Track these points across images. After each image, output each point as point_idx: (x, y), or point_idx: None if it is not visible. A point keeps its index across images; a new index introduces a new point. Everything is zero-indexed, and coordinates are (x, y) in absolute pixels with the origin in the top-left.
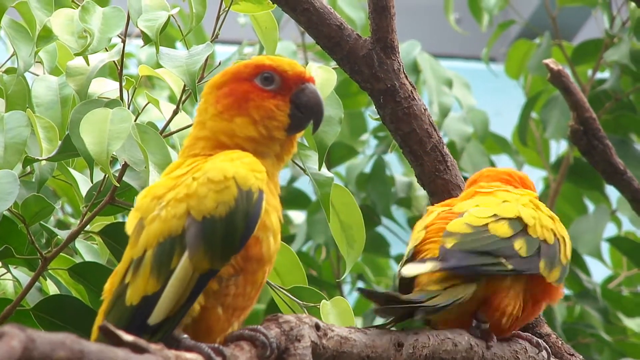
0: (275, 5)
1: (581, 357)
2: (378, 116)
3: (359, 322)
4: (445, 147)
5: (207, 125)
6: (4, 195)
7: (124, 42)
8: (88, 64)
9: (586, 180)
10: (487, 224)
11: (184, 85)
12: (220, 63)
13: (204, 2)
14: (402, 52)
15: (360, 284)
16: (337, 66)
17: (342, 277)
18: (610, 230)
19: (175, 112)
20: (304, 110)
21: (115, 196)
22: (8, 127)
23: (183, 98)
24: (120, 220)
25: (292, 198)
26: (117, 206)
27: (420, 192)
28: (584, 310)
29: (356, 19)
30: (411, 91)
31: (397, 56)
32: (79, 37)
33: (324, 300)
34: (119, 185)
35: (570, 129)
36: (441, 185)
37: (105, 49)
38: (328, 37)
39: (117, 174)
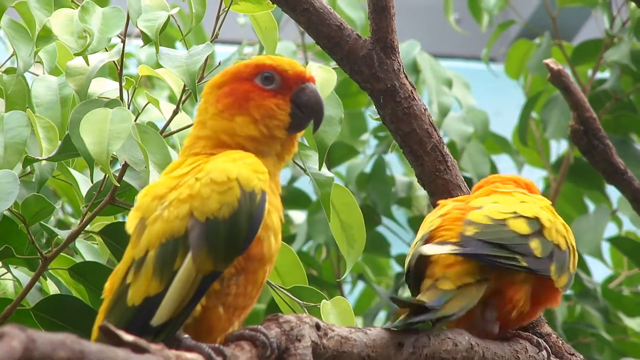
0: (275, 5)
1: (582, 356)
2: (378, 116)
3: (359, 322)
4: (445, 147)
5: (208, 124)
6: (4, 195)
7: (123, 42)
8: (88, 64)
9: (587, 180)
10: (506, 219)
11: (184, 85)
12: (220, 63)
13: (203, 2)
14: (402, 52)
15: (360, 284)
16: (337, 66)
17: (343, 277)
18: (611, 230)
19: (175, 112)
20: (305, 109)
21: (115, 196)
22: (8, 127)
23: (183, 98)
24: (121, 220)
25: (292, 198)
26: (118, 206)
27: (421, 192)
28: (585, 310)
29: (356, 19)
30: (411, 91)
31: (397, 56)
32: (78, 37)
33: (324, 300)
34: (119, 185)
35: (571, 128)
36: (441, 185)
37: (105, 49)
38: (328, 37)
39: (117, 174)
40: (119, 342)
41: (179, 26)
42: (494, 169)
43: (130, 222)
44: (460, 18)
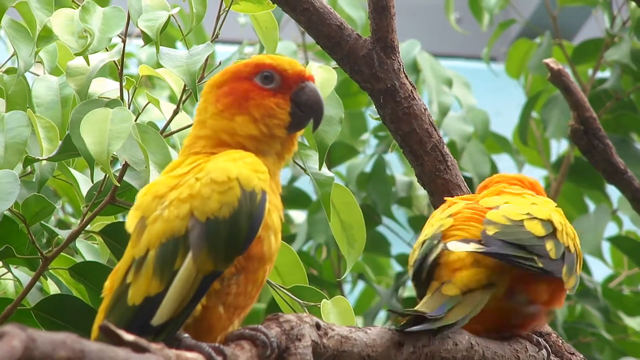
0: (276, 5)
1: (582, 356)
2: (378, 116)
3: (359, 322)
4: (445, 146)
5: (208, 124)
6: (5, 195)
7: (124, 42)
8: (88, 64)
9: (587, 180)
10: (522, 220)
11: (185, 85)
12: (220, 63)
13: (204, 2)
14: (402, 51)
15: (360, 284)
16: (338, 66)
17: (343, 277)
18: (611, 229)
19: (175, 112)
20: (304, 108)
21: (115, 196)
22: (8, 127)
23: (183, 98)
24: (121, 220)
25: (292, 198)
26: (118, 206)
27: (421, 192)
28: (585, 309)
29: (357, 18)
30: (411, 91)
31: (397, 56)
32: (79, 37)
33: (324, 300)
34: (119, 185)
35: (571, 128)
36: (441, 184)
37: (106, 48)
38: (328, 37)
39: (117, 174)
40: (119, 342)
41: (179, 26)
42: (494, 169)
43: (130, 221)
44: (460, 17)
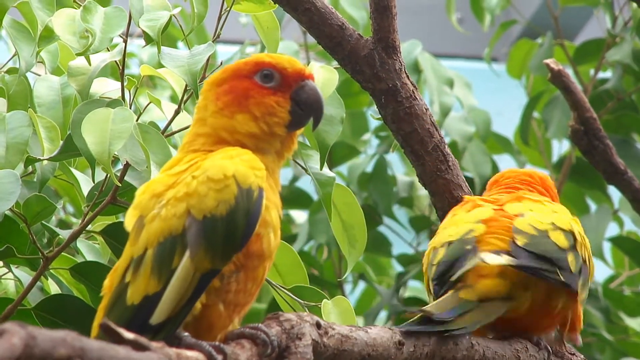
0: (277, 5)
1: (582, 356)
2: (379, 116)
3: (360, 322)
4: (446, 146)
5: (208, 122)
6: (6, 195)
7: (125, 42)
8: (90, 64)
9: (588, 180)
10: (547, 231)
11: (186, 85)
12: (222, 63)
13: (205, 2)
14: (404, 51)
15: (361, 284)
16: (339, 66)
17: (344, 277)
18: (612, 229)
19: (177, 112)
20: (304, 107)
21: (116, 196)
22: (10, 127)
23: (185, 98)
24: (122, 220)
25: (294, 198)
26: (119, 206)
27: (422, 192)
28: (586, 310)
29: (358, 18)
30: (412, 91)
31: (398, 56)
32: (80, 37)
33: (325, 300)
34: (120, 185)
35: (571, 128)
36: (442, 184)
37: (107, 48)
38: (329, 37)
39: (118, 174)
40: (119, 340)
41: (180, 26)
42: (495, 169)
43: (129, 220)
44: (462, 18)
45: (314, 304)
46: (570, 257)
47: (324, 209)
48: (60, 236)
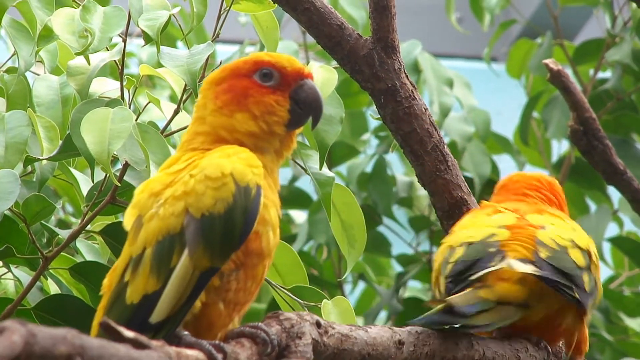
0: (276, 4)
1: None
2: (379, 116)
3: (360, 322)
4: (445, 146)
5: (207, 120)
6: (5, 195)
7: (124, 41)
8: (89, 64)
9: (588, 180)
10: (567, 247)
11: (185, 85)
12: (221, 62)
13: (204, 1)
14: (403, 51)
15: (361, 284)
16: (338, 66)
17: (343, 277)
18: (612, 230)
19: (176, 112)
20: (303, 106)
21: (116, 196)
22: (9, 127)
23: (184, 97)
24: (121, 219)
25: (293, 198)
26: (118, 206)
27: (422, 192)
28: None
29: (358, 18)
30: (412, 91)
31: (397, 56)
32: (79, 36)
33: (325, 300)
34: (119, 185)
35: (570, 129)
36: (442, 185)
37: (106, 48)
38: (329, 36)
39: (118, 174)
40: (119, 339)
41: (180, 25)
42: (495, 169)
43: (128, 219)
44: (461, 17)
45: (313, 304)
46: (585, 277)
47: (324, 209)
48: (59, 236)
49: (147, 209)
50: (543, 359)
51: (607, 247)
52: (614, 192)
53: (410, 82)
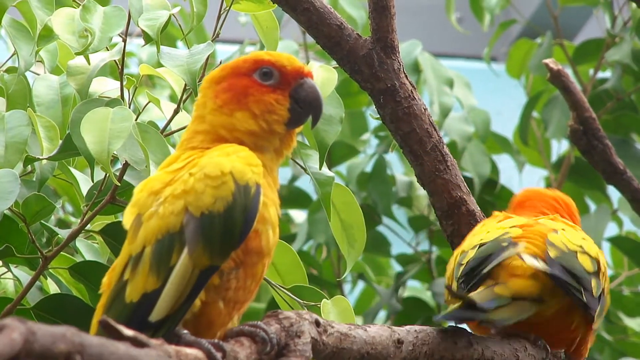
0: (276, 4)
1: None
2: (378, 116)
3: (359, 321)
4: (445, 146)
5: (207, 119)
6: (5, 195)
7: (124, 41)
8: (89, 63)
9: (587, 180)
10: (576, 252)
11: (185, 85)
12: (221, 62)
13: (204, 1)
14: (403, 51)
15: (360, 283)
16: (338, 65)
17: (343, 277)
18: (611, 229)
19: (176, 112)
20: (303, 105)
21: (116, 195)
22: (9, 126)
23: (184, 97)
24: (121, 219)
25: (293, 197)
26: (118, 205)
27: (421, 192)
28: None
29: (357, 17)
30: (411, 91)
31: (397, 56)
32: (79, 36)
33: (324, 300)
34: (119, 185)
35: (570, 128)
36: (441, 185)
37: (106, 48)
38: (328, 36)
39: (117, 173)
40: (119, 337)
41: (180, 25)
42: (494, 169)
43: (127, 218)
44: (461, 17)
45: (313, 303)
46: (593, 282)
47: (323, 208)
48: (59, 235)
49: (146, 207)
50: (542, 359)
51: (606, 246)
52: (613, 192)
53: (409, 82)
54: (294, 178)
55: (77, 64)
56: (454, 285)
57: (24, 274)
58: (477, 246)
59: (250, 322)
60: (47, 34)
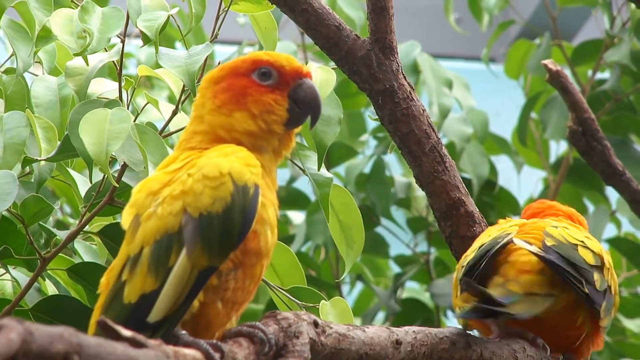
0: (274, 5)
1: None
2: (377, 117)
3: (357, 323)
4: (443, 147)
5: (206, 119)
6: (3, 196)
7: (123, 42)
8: (87, 64)
9: (586, 181)
10: (577, 245)
11: (183, 86)
12: (219, 63)
13: (203, 2)
14: (402, 52)
15: (359, 285)
16: (337, 66)
17: (341, 278)
18: (610, 231)
19: (174, 113)
20: (302, 105)
21: (114, 196)
22: (7, 128)
23: (182, 98)
24: (119, 220)
25: (291, 198)
26: (116, 206)
27: (420, 193)
28: None
29: (356, 18)
30: (410, 92)
31: (395, 57)
32: (78, 37)
33: (323, 301)
34: (118, 186)
35: (569, 129)
36: (440, 186)
37: (105, 49)
38: (326, 37)
39: (116, 174)
40: (117, 337)
41: (178, 26)
42: (493, 170)
43: (125, 218)
44: (460, 18)
45: (311, 305)
46: (596, 275)
47: (322, 209)
48: (57, 237)
49: (144, 208)
50: (541, 359)
51: (605, 247)
52: (611, 193)
53: (408, 83)
54: (292, 179)
55: (75, 64)
56: (457, 286)
57: (22, 275)
58: (477, 248)
59: (248, 322)
60: (46, 35)
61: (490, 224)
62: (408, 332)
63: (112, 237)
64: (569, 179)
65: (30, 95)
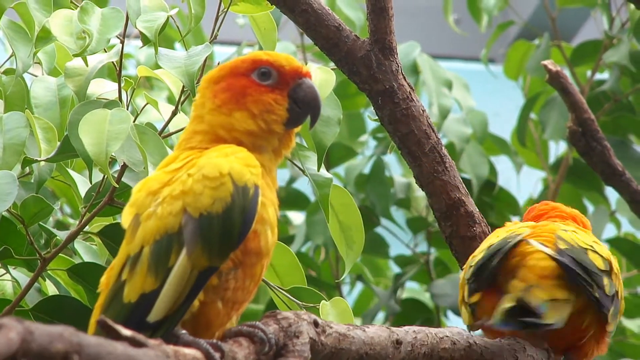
0: (274, 6)
1: None
2: (377, 117)
3: (357, 323)
4: (443, 148)
5: (205, 119)
6: (3, 196)
7: (122, 42)
8: (87, 65)
9: (585, 181)
10: (587, 250)
11: (183, 86)
12: (219, 64)
13: (202, 2)
14: (402, 53)
15: (359, 285)
16: (336, 67)
17: (342, 278)
18: (610, 231)
19: (174, 113)
20: (302, 105)
21: (114, 197)
22: (7, 128)
23: (182, 99)
24: (119, 221)
25: (291, 199)
26: (116, 207)
27: (419, 193)
28: None
29: (355, 19)
30: (409, 92)
31: (395, 57)
32: (77, 37)
33: (323, 301)
34: (117, 186)
35: (569, 130)
36: (439, 186)
37: (104, 49)
38: (326, 38)
39: (116, 175)
40: (117, 337)
41: (178, 27)
42: (492, 170)
43: (125, 217)
44: (459, 19)
45: (311, 305)
46: (605, 280)
47: (321, 210)
48: (57, 237)
49: (144, 207)
50: (542, 359)
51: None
52: (611, 193)
53: (407, 84)
54: (292, 179)
55: (75, 65)
56: (465, 288)
57: (23, 276)
58: (486, 248)
59: (248, 322)
60: (45, 36)
61: (490, 224)
62: (408, 332)
63: (112, 237)
64: (568, 179)
65: (30, 95)
